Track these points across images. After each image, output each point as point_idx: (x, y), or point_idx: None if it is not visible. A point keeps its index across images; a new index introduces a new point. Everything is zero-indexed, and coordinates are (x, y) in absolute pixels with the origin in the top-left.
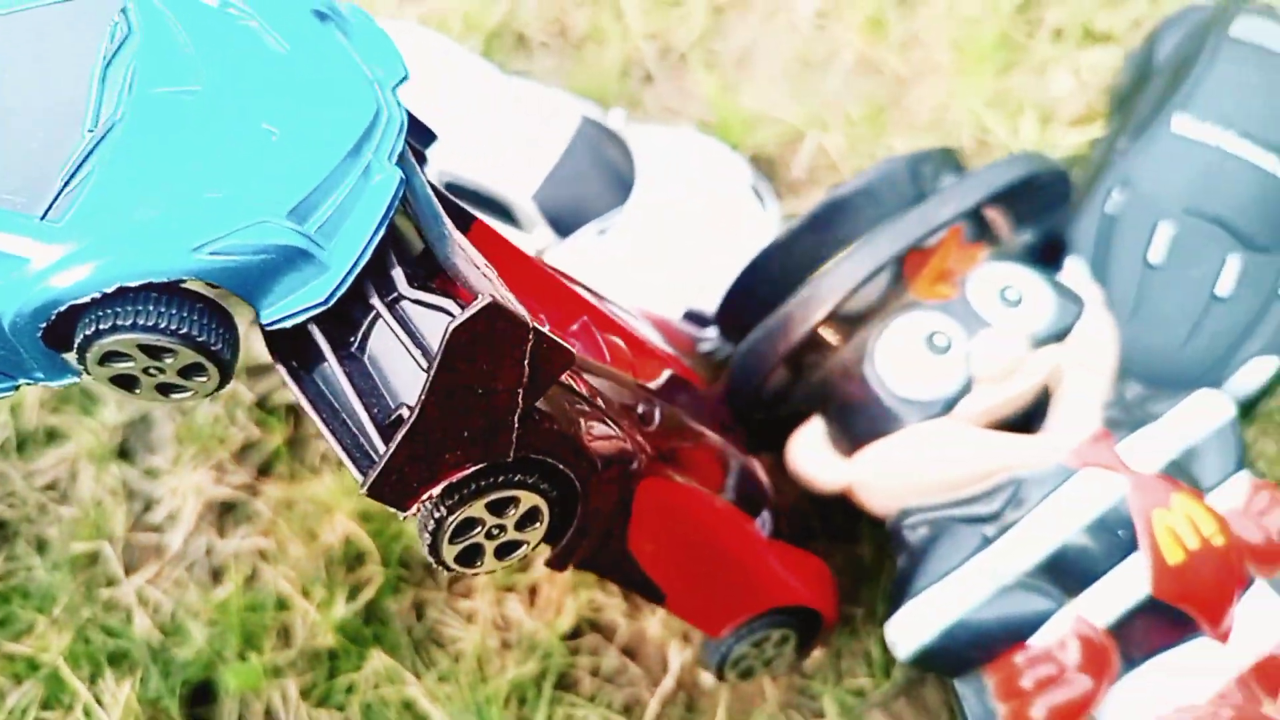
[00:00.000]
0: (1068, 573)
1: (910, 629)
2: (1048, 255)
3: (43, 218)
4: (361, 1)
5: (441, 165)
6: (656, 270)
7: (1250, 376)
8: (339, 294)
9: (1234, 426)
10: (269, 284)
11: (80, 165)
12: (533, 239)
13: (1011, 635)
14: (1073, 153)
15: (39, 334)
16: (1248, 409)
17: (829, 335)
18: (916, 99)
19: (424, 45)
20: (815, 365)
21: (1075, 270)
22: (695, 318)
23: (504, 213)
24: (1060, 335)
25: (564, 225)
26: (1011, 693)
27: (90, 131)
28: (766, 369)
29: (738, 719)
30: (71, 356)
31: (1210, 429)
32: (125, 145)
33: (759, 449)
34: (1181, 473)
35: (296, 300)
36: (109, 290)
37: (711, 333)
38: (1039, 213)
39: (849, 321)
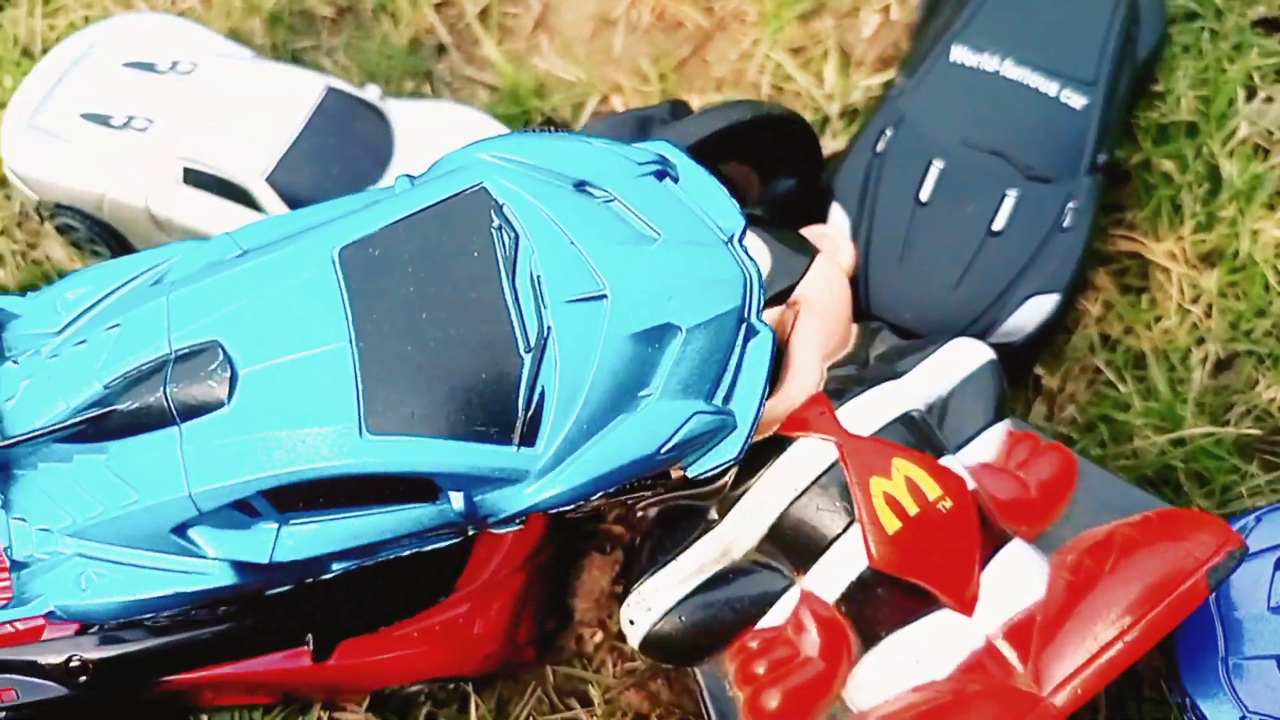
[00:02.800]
0: (793, 547)
1: (638, 615)
2: (814, 205)
3: (518, 447)
4: None
5: (178, 152)
6: None
7: (1028, 315)
8: (746, 446)
9: (991, 375)
10: (699, 451)
11: (531, 390)
12: None
13: (741, 618)
14: (876, 94)
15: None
16: (1031, 350)
17: None
18: (718, 52)
19: (159, 30)
20: None
21: (836, 222)
22: None
23: (246, 198)
24: (783, 294)
25: (305, 204)
26: (747, 679)
27: (527, 352)
28: None
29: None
30: None
31: (960, 379)
32: (563, 362)
33: None
34: (923, 429)
35: (715, 456)
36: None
37: None
38: (790, 163)
39: None
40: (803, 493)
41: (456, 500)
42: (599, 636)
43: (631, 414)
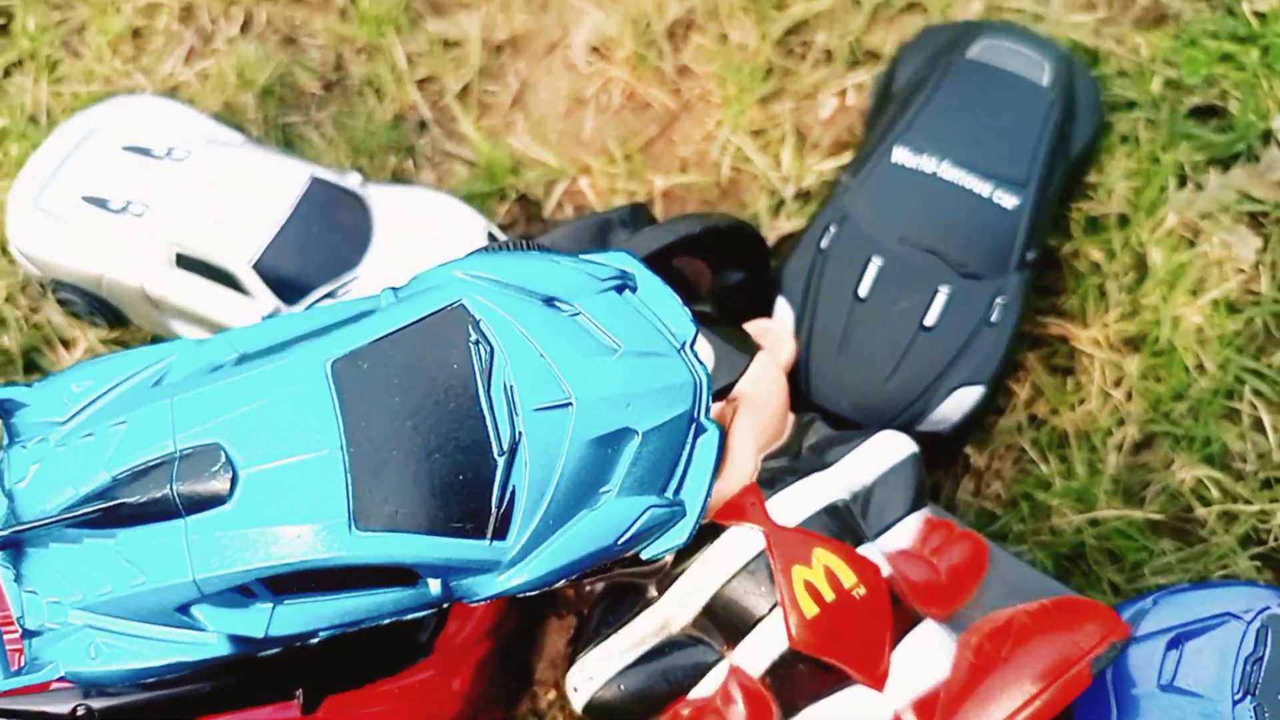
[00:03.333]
0: (724, 625)
1: (580, 683)
2: (762, 294)
3: (491, 541)
4: (141, 65)
5: (171, 237)
6: None
7: (954, 405)
8: (694, 533)
9: (911, 467)
10: (651, 539)
11: (504, 489)
12: (260, 306)
13: (675, 687)
14: (829, 178)
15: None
16: (958, 437)
17: None
18: (682, 133)
19: (158, 115)
20: None
21: (781, 315)
22: None
23: (234, 282)
24: (723, 391)
25: (291, 289)
26: None
27: (501, 455)
28: None
29: None
30: None
31: (883, 470)
32: (531, 464)
33: None
34: (845, 518)
35: (665, 542)
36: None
37: None
38: (739, 256)
39: None
40: (733, 576)
41: (434, 586)
42: (552, 695)
43: (593, 509)
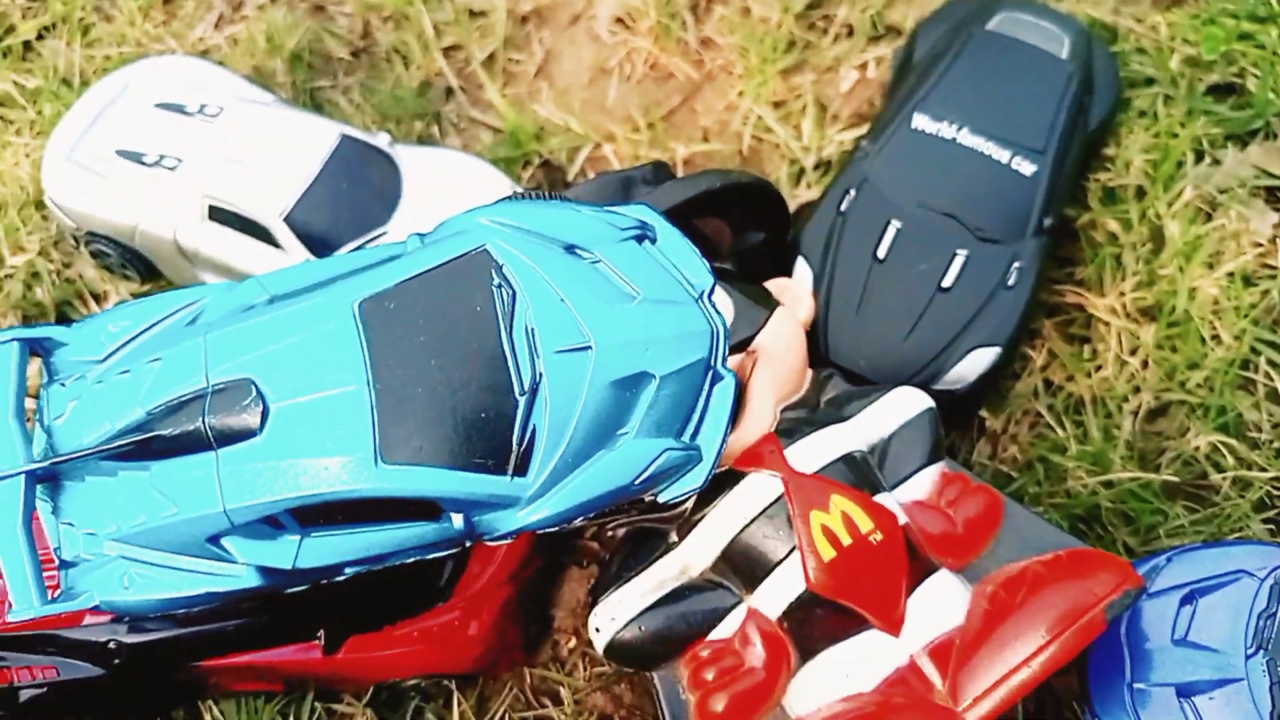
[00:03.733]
0: (742, 569)
1: (603, 624)
2: (782, 257)
3: (512, 477)
4: (172, 29)
5: (204, 190)
6: None
7: (970, 366)
8: (709, 477)
9: (928, 422)
10: (668, 481)
11: (525, 428)
12: (291, 259)
13: (695, 629)
14: (849, 148)
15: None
16: (973, 398)
17: None
18: (704, 103)
19: (190, 74)
20: None
21: (800, 275)
22: None
23: (266, 235)
24: (743, 344)
25: (320, 244)
26: (698, 684)
27: (521, 395)
28: None
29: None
30: None
31: (900, 424)
32: (552, 404)
33: None
34: (863, 468)
35: (682, 485)
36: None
37: None
38: (760, 219)
39: None
40: (752, 521)
41: (457, 520)
42: (573, 643)
43: (611, 450)
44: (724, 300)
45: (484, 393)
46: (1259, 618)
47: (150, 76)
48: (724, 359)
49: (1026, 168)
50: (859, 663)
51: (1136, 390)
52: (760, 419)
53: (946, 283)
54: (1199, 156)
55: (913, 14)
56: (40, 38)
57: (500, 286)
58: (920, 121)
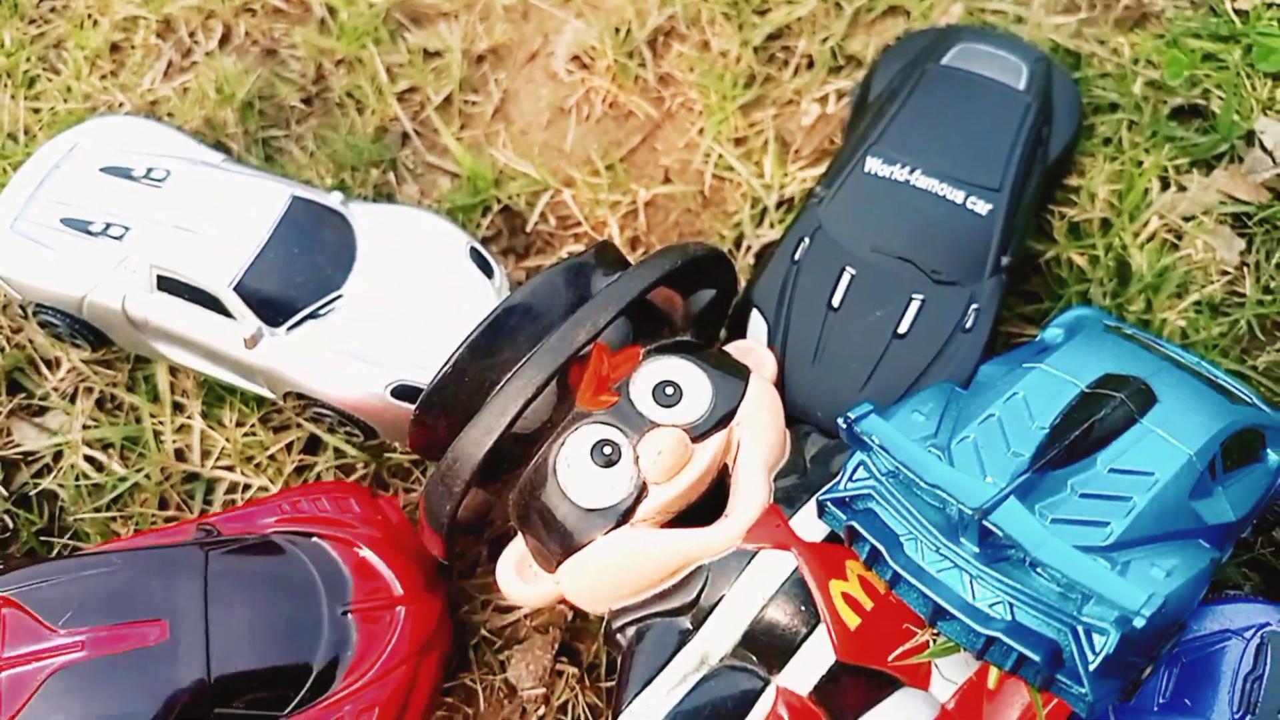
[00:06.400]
0: (766, 650)
1: None
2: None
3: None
4: (120, 81)
5: (151, 260)
6: (376, 346)
7: None
8: None
9: None
10: None
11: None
12: (242, 328)
13: (726, 718)
14: (812, 185)
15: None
16: None
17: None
18: (665, 141)
19: (136, 135)
20: (508, 485)
21: (755, 328)
22: (405, 393)
23: (216, 304)
24: (725, 419)
25: (273, 310)
26: None
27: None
28: (444, 516)
29: None
30: None
31: None
32: None
33: None
34: None
35: None
36: None
37: None
38: (710, 280)
39: (530, 441)
40: (771, 599)
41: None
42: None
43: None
44: (701, 380)
45: None
46: (1245, 680)
47: (96, 138)
48: None
49: (982, 207)
50: None
51: None
52: (758, 495)
53: (902, 329)
54: (1164, 184)
55: (874, 43)
56: None
57: None
58: (873, 165)
